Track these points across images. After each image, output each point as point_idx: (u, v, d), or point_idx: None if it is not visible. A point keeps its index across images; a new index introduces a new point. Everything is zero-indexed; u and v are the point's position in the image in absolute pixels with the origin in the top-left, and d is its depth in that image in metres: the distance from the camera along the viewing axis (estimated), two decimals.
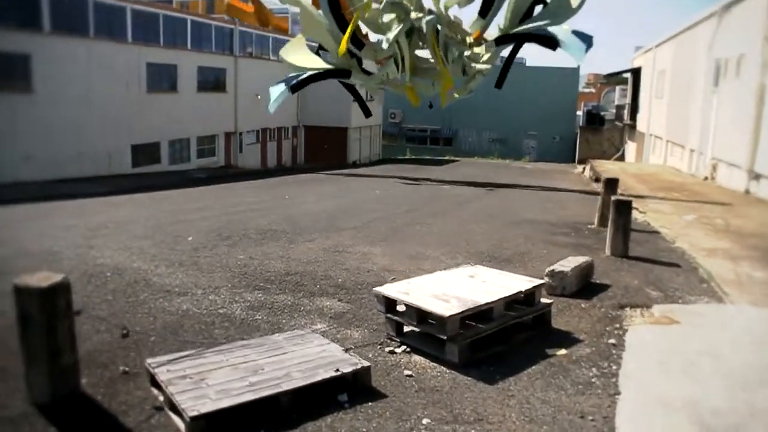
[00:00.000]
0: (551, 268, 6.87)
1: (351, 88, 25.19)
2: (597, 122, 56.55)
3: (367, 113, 26.57)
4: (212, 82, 32.91)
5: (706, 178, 22.57)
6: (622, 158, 47.13)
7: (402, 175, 27.95)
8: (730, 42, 21.75)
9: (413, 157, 49.99)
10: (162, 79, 28.93)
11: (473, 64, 21.00)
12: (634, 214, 13.07)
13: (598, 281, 7.43)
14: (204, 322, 5.85)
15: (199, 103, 31.29)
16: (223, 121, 33.71)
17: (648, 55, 38.56)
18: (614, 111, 54.13)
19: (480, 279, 5.90)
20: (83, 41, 24.25)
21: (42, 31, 22.48)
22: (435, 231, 10.90)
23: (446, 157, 51.08)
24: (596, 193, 19.85)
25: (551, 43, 17.93)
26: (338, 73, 21.89)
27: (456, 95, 22.74)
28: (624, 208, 8.68)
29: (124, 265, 7.84)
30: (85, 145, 23.90)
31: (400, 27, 19.38)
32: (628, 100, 47.03)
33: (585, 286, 7.15)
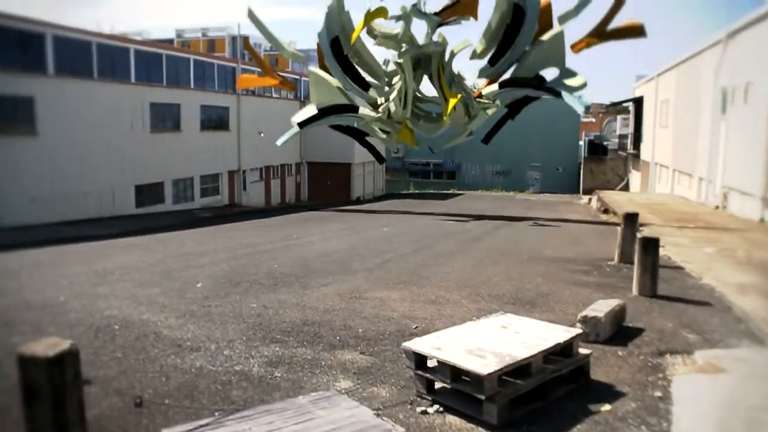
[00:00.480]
0: (584, 313, 6.52)
1: (359, 136, 24.27)
2: (600, 152, 56.46)
3: (381, 160, 25.62)
4: (215, 120, 32.84)
5: (717, 207, 22.26)
6: (626, 188, 46.90)
7: (407, 210, 27.70)
8: (736, 69, 21.62)
9: (417, 191, 49.84)
10: (165, 118, 28.84)
11: (477, 104, 20.13)
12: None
13: (630, 325, 7.07)
14: (220, 381, 5.48)
15: (202, 141, 31.18)
16: (227, 160, 33.56)
17: (650, 84, 38.55)
18: (617, 140, 54.08)
19: (513, 329, 5.55)
20: (87, 83, 24.22)
21: (46, 74, 22.45)
22: (451, 272, 10.56)
23: (450, 191, 50.90)
24: (605, 223, 19.64)
25: (554, 92, 17.36)
26: (345, 108, 21.32)
27: (457, 139, 21.55)
28: (651, 246, 8.35)
29: (132, 316, 7.50)
30: (89, 185, 23.69)
31: (407, 54, 18.39)
32: (630, 129, 46.94)
33: (618, 330, 6.79)
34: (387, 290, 8.94)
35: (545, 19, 20.39)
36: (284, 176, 40.52)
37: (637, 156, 43.48)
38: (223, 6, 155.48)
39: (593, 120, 74.90)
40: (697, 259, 11.53)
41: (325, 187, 42.54)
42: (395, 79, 22.55)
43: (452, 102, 20.41)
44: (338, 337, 6.68)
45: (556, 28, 20.25)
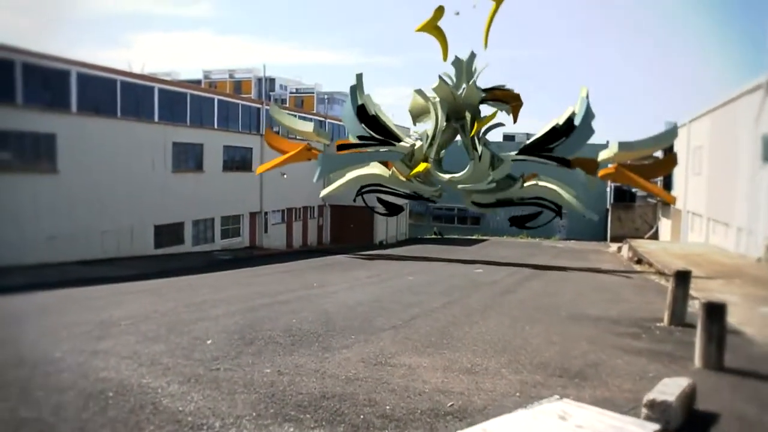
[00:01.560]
0: (651, 396, 5.56)
1: (396, 210, 25.52)
2: (627, 199, 55.27)
3: (398, 211, 27.00)
4: (238, 161, 32.44)
5: (759, 260, 21.11)
6: (655, 236, 45.62)
7: (432, 256, 26.82)
8: None
9: (441, 236, 48.93)
10: (188, 158, 28.47)
11: (503, 157, 21.46)
12: (698, 304, 11.77)
13: (702, 408, 6.08)
14: None
15: (224, 182, 30.72)
16: (249, 201, 33.05)
17: (681, 130, 37.59)
18: None
19: (574, 422, 4.64)
20: (110, 121, 23.93)
21: (69, 111, 22.14)
22: (485, 332, 9.62)
23: (474, 236, 49.94)
24: (641, 274, 18.59)
25: (566, 163, 18.89)
26: (382, 142, 21.78)
27: (479, 186, 22.39)
28: (717, 312, 7.39)
29: (130, 380, 6.67)
30: (108, 224, 23.21)
31: (441, 94, 19.72)
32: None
33: (690, 416, 5.82)
34: (416, 355, 8.02)
35: (589, 165, 22.70)
36: (306, 219, 39.89)
37: (667, 204, 42.33)
38: (252, 49, 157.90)
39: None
40: (756, 321, 10.51)
41: (348, 231, 41.82)
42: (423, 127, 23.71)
43: (418, 168, 21.82)
44: (362, 416, 5.77)
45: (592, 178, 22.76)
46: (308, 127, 25.55)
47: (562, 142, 22.18)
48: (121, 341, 8.44)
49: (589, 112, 22.12)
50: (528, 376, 7.14)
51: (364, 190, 25.43)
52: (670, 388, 5.73)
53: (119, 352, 7.84)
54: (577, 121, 22.04)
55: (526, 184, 23.18)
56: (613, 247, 38.81)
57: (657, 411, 5.49)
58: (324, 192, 25.75)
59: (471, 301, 13.18)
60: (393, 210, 26.75)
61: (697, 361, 7.60)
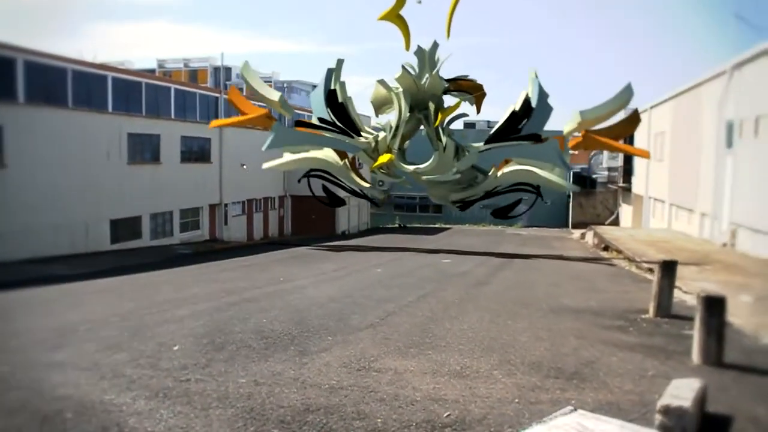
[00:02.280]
0: (664, 402, 5.15)
1: (337, 202, 24.90)
2: (588, 185, 55.67)
3: (338, 204, 26.61)
4: (196, 152, 31.49)
5: (724, 245, 21.20)
6: (616, 222, 46.01)
7: (398, 246, 26.40)
8: (744, 102, 20.71)
9: (403, 225, 48.58)
10: (144, 149, 27.47)
11: (467, 147, 21.06)
12: (678, 293, 11.56)
13: (711, 410, 5.72)
14: None
15: (182, 174, 29.78)
16: (208, 193, 32.15)
17: (642, 116, 37.74)
18: (605, 173, 53.34)
19: None
20: (60, 111, 22.79)
21: (16, 102, 21.01)
22: (467, 329, 9.18)
23: (437, 225, 49.71)
24: (610, 263, 18.26)
25: (536, 137, 18.53)
26: (341, 130, 21.27)
27: (443, 176, 22.17)
28: (717, 307, 7.06)
29: (91, 397, 6.04)
30: (60, 219, 22.17)
31: (404, 84, 19.26)
32: (620, 162, 46.20)
33: (703, 420, 5.45)
34: (401, 357, 7.54)
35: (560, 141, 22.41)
36: (267, 210, 39.11)
37: (628, 189, 42.63)
38: (207, 38, 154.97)
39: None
40: (739, 311, 10.27)
41: (310, 221, 41.14)
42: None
43: (382, 159, 21.44)
44: None
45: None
46: (275, 96, 24.50)
47: (524, 125, 21.90)
48: (80, 351, 7.76)
49: (542, 91, 21.91)
50: (523, 378, 6.71)
51: (311, 173, 24.68)
52: (683, 392, 5.35)
53: (78, 363, 7.17)
54: (533, 103, 21.80)
55: (500, 173, 22.81)
56: (576, 233, 38.94)
57: (672, 417, 5.09)
58: (268, 164, 24.82)
59: (445, 294, 12.75)
60: (334, 201, 26.00)
61: (695, 356, 7.28)
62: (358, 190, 24.95)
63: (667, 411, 5.10)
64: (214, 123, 26.90)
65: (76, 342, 8.23)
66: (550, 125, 22.35)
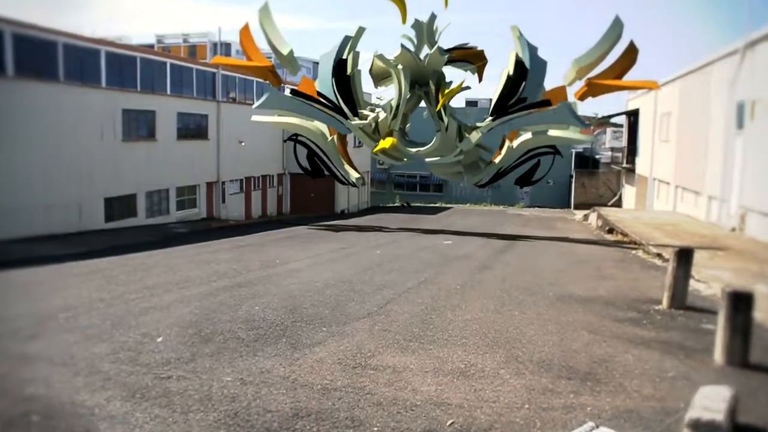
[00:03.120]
0: (694, 415, 4.62)
1: (318, 172, 24.31)
2: (590, 165, 55.02)
3: (318, 175, 26.06)
4: (193, 129, 30.82)
5: (733, 229, 20.65)
6: (619, 203, 45.44)
7: (397, 226, 25.87)
8: (758, 82, 20.03)
9: (403, 204, 48.00)
10: (139, 126, 26.80)
11: (472, 128, 20.40)
12: (690, 282, 11.03)
13: (744, 421, 5.20)
14: None
15: (179, 151, 29.14)
16: (205, 170, 31.52)
17: (647, 97, 36.97)
18: (609, 153, 52.67)
19: None
20: (52, 86, 22.09)
21: (5, 76, 20.32)
22: (471, 320, 8.66)
23: (438, 204, 49.16)
24: (617, 245, 17.59)
25: (544, 103, 17.97)
26: (337, 108, 20.80)
27: (446, 159, 21.56)
28: (743, 303, 6.51)
29: (61, 397, 5.53)
30: (53, 198, 21.58)
31: (404, 63, 18.76)
32: (624, 142, 45.51)
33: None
34: (399, 353, 7.01)
35: (558, 94, 21.55)
36: (265, 188, 38.52)
37: (631, 170, 41.98)
38: (207, 12, 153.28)
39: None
40: (761, 304, 9.73)
41: (308, 200, 40.58)
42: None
43: (384, 144, 20.87)
44: None
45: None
46: (285, 48, 23.73)
47: (524, 87, 21.31)
48: (57, 341, 7.25)
49: (531, 47, 21.32)
50: (532, 379, 6.19)
51: (298, 138, 24.13)
52: (713, 402, 4.82)
53: (52, 357, 6.65)
54: (526, 62, 21.19)
55: (515, 143, 22.19)
56: (578, 214, 38.37)
57: None
58: (256, 117, 24.35)
59: (446, 279, 12.23)
60: (315, 171, 25.13)
61: (718, 355, 6.74)
62: (337, 171, 24.36)
63: (697, 425, 4.58)
64: (216, 59, 26.33)
65: (53, 332, 7.71)
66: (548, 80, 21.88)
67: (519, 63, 21.30)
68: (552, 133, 21.63)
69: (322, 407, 5.38)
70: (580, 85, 22.11)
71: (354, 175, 24.17)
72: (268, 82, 24.47)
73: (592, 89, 22.43)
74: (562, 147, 23.28)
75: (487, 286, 11.51)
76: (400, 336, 7.70)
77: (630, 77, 22.58)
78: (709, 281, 11.52)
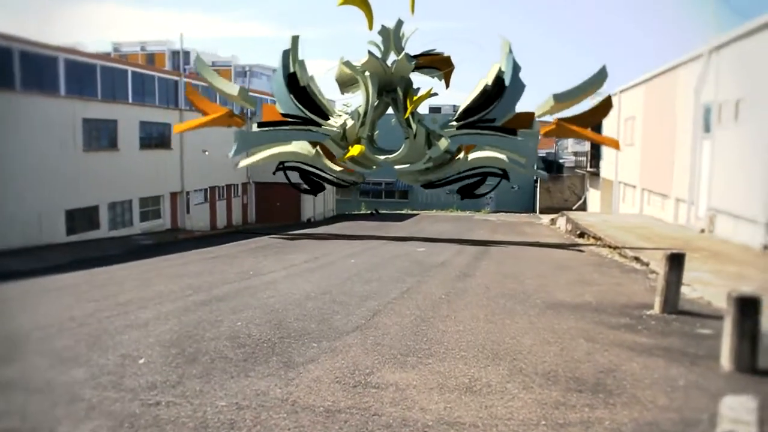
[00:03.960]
0: (726, 428, 4.43)
1: (317, 188, 24.13)
2: (554, 170, 55.50)
3: (320, 190, 25.98)
4: (156, 138, 30.14)
5: (702, 231, 20.84)
6: (583, 207, 45.89)
7: (367, 234, 25.57)
8: (723, 86, 20.27)
9: (372, 211, 47.71)
10: (100, 135, 26.08)
11: (439, 133, 20.36)
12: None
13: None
14: None
15: (141, 161, 28.45)
16: (169, 180, 30.84)
17: (611, 101, 37.36)
18: (572, 158, 53.17)
19: None
20: (7, 95, 21.30)
21: None
22: (464, 330, 8.39)
23: (404, 211, 49.02)
24: (587, 249, 17.49)
25: (511, 132, 18.02)
26: (303, 121, 20.48)
27: (415, 166, 21.36)
28: (751, 308, 6.36)
29: (42, 429, 5.09)
30: (11, 211, 20.75)
31: (372, 69, 18.61)
32: (587, 147, 45.96)
33: None
34: (399, 369, 6.70)
35: (527, 119, 21.71)
36: (230, 197, 37.94)
37: (596, 174, 42.41)
38: (164, 21, 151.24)
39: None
40: None
41: (274, 208, 40.07)
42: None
43: (352, 151, 20.85)
44: None
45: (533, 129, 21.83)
46: (234, 89, 23.57)
47: (496, 105, 21.42)
48: (31, 365, 6.77)
49: (516, 66, 21.44)
50: (542, 393, 5.93)
51: (285, 165, 23.93)
52: (740, 413, 4.63)
53: (27, 383, 6.18)
54: (506, 79, 21.26)
55: (470, 156, 22.24)
56: (545, 219, 38.56)
57: None
58: (243, 162, 24.04)
59: (429, 288, 11.97)
60: (315, 188, 25.21)
61: (726, 361, 6.57)
62: (333, 178, 24.28)
63: None
64: (177, 128, 25.90)
65: (26, 355, 7.22)
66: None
67: (499, 79, 21.34)
68: (506, 158, 21.69)
69: None
70: (547, 117, 22.69)
71: (350, 176, 23.99)
72: (233, 126, 24.00)
73: (559, 130, 23.02)
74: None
75: (472, 294, 11.27)
76: (395, 350, 7.39)
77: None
78: (692, 284, 11.46)
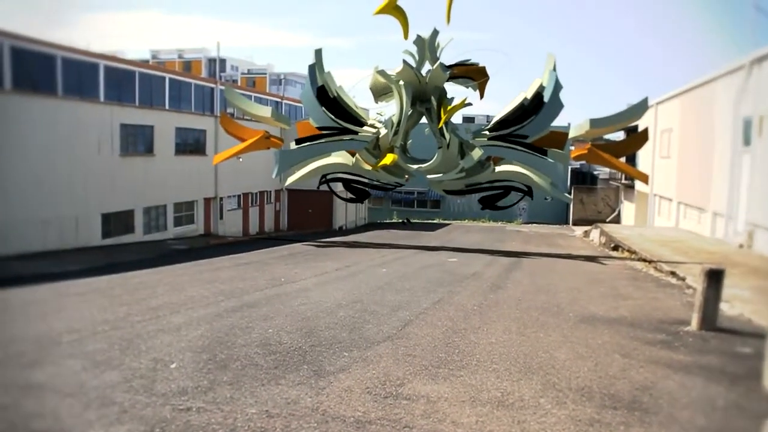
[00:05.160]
0: None
1: (363, 196, 24.36)
2: (588, 181, 54.88)
3: (365, 197, 26.24)
4: (191, 144, 30.52)
5: (741, 246, 20.38)
6: (617, 220, 45.26)
7: (398, 243, 25.52)
8: (764, 98, 19.84)
9: (404, 220, 47.64)
10: (137, 141, 26.49)
11: (472, 143, 20.33)
12: None
13: None
14: None
15: (176, 166, 28.82)
16: (203, 186, 31.17)
17: (646, 114, 36.86)
18: (606, 170, 52.49)
19: None
20: (49, 100, 21.78)
21: (2, 89, 19.99)
22: (496, 343, 8.29)
23: (436, 221, 48.88)
24: (623, 262, 17.14)
25: (542, 151, 17.97)
26: (342, 131, 20.60)
27: (448, 175, 21.33)
28: None
29: (74, 431, 5.12)
30: (49, 214, 21.17)
31: (406, 79, 18.66)
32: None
33: None
34: (430, 381, 6.62)
35: (560, 138, 21.59)
36: (263, 204, 38.18)
37: (630, 187, 41.83)
38: (201, 29, 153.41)
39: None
40: None
41: (306, 216, 40.25)
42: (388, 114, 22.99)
43: (385, 160, 20.83)
44: None
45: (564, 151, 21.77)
46: (266, 111, 23.99)
47: (532, 120, 21.29)
48: (63, 368, 6.83)
49: (557, 84, 21.28)
50: (576, 409, 5.81)
51: (328, 177, 24.18)
52: None
53: (59, 387, 6.22)
54: (546, 96, 21.10)
55: (498, 168, 22.19)
56: (578, 231, 38.14)
57: None
58: (288, 182, 24.38)
59: (461, 299, 11.87)
60: (360, 195, 25.48)
61: None
62: (377, 182, 24.38)
63: None
64: (217, 158, 26.21)
65: (58, 358, 7.29)
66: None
67: (538, 95, 21.22)
68: (534, 177, 21.68)
69: None
70: (579, 141, 22.68)
71: (393, 178, 24.02)
72: (271, 148, 24.35)
73: (590, 156, 22.88)
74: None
75: (505, 306, 11.15)
76: (427, 361, 7.32)
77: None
78: (731, 301, 11.19)
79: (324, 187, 25.15)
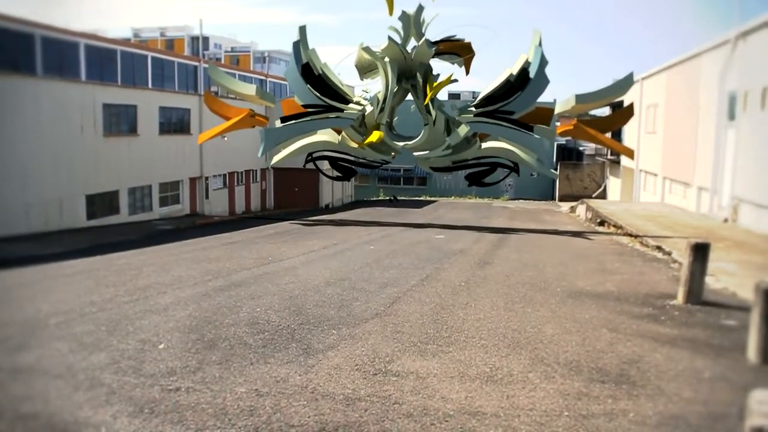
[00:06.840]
0: (756, 422, 4.31)
1: (349, 173, 24.19)
2: (574, 157, 55.03)
3: (351, 175, 26.12)
4: (175, 123, 30.23)
5: (726, 220, 20.55)
6: (603, 195, 45.50)
7: (385, 221, 25.51)
8: (750, 73, 19.89)
9: (391, 198, 47.60)
10: (120, 121, 26.20)
11: (458, 119, 20.26)
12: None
13: None
14: None
15: (161, 146, 28.57)
16: (188, 166, 30.96)
17: (631, 89, 36.88)
18: (592, 146, 52.64)
19: None
20: (29, 80, 21.43)
21: None
22: (484, 318, 8.33)
23: (422, 198, 48.88)
24: (609, 237, 17.19)
25: (528, 128, 17.88)
26: (328, 108, 20.43)
27: (430, 156, 21.38)
28: None
29: (63, 415, 5.09)
30: (33, 196, 20.93)
31: (392, 56, 18.48)
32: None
33: None
34: (419, 357, 6.64)
35: (546, 114, 21.68)
36: (249, 183, 38.01)
37: (616, 162, 42.00)
38: (183, 7, 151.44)
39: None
40: None
41: (292, 194, 40.12)
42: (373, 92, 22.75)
43: (371, 138, 20.72)
44: None
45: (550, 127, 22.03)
46: (250, 90, 23.73)
47: (518, 96, 21.22)
48: (51, 350, 6.78)
49: (543, 60, 21.17)
50: (564, 383, 5.85)
51: (314, 155, 24.03)
52: None
53: (47, 368, 6.18)
54: (532, 72, 21.01)
55: (484, 145, 22.16)
56: (564, 206, 38.28)
57: None
58: (274, 160, 24.17)
59: (449, 275, 11.89)
60: (347, 173, 25.36)
61: (753, 354, 6.45)
62: (363, 160, 24.22)
63: None
64: (202, 138, 25.90)
65: (46, 340, 7.23)
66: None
67: (524, 70, 21.11)
68: (520, 153, 21.65)
69: (349, 420, 4.99)
70: (565, 117, 22.67)
71: (380, 155, 23.85)
72: (256, 127, 24.09)
73: (576, 131, 22.84)
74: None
75: (492, 282, 11.19)
76: (416, 338, 7.34)
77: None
78: (717, 274, 11.28)
79: (310, 166, 24.94)
